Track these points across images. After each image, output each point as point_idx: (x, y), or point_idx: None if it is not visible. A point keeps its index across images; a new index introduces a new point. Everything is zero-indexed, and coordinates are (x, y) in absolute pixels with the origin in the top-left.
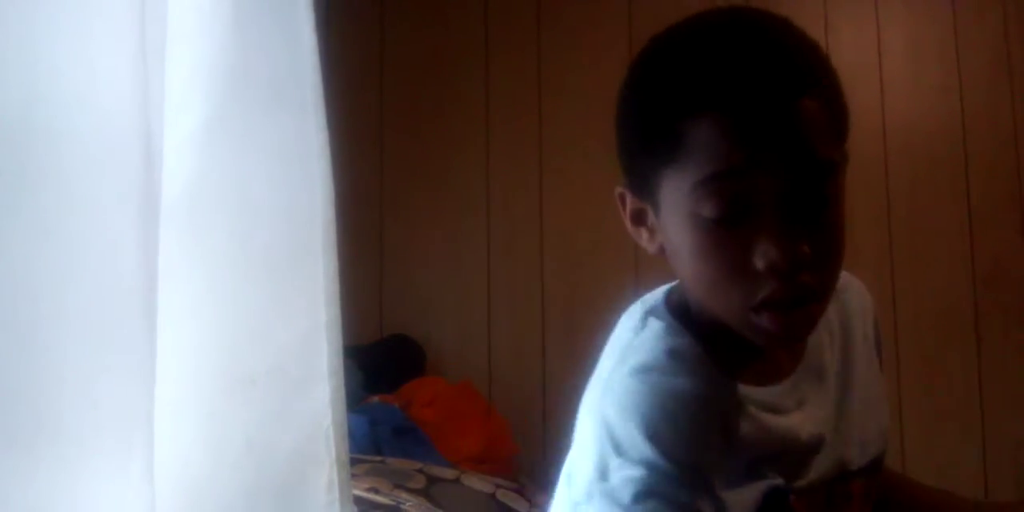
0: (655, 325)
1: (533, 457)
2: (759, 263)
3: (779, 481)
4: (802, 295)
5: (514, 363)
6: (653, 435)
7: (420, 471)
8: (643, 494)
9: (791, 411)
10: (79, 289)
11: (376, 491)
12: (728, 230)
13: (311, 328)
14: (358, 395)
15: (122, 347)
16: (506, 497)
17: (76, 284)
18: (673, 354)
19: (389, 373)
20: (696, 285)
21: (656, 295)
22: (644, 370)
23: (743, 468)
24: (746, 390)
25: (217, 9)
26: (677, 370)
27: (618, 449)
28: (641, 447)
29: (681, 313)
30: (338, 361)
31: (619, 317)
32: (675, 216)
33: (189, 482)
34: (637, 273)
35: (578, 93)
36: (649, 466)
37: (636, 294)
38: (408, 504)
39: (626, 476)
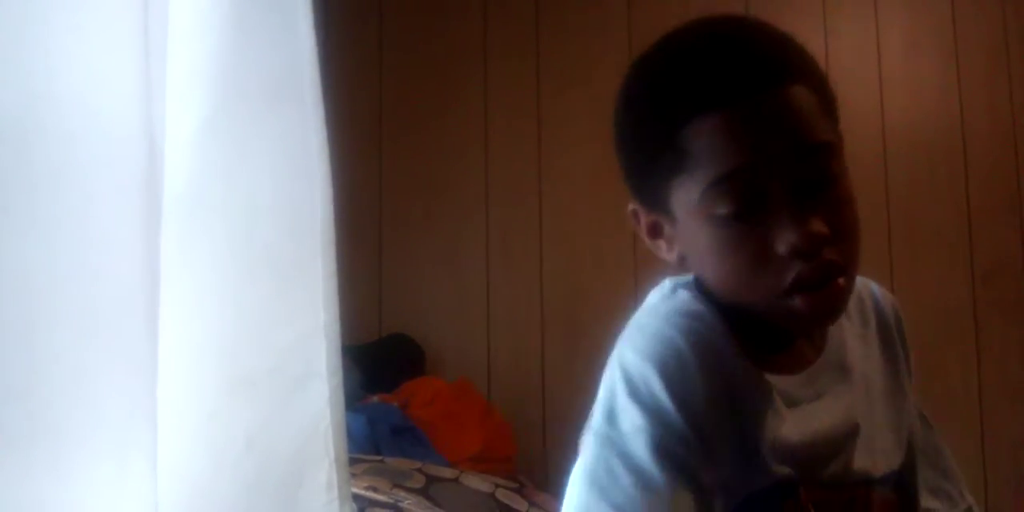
0: (684, 294)
1: (532, 456)
2: (781, 248)
3: (789, 472)
4: (828, 271)
5: (513, 362)
6: (669, 381)
7: (419, 470)
8: (658, 450)
9: (808, 401)
10: (80, 289)
11: (375, 490)
12: (745, 223)
13: (310, 328)
14: (357, 394)
15: (123, 347)
16: (505, 496)
17: (77, 284)
18: (702, 314)
19: (388, 373)
20: (724, 283)
21: (686, 277)
22: (676, 314)
23: (757, 457)
24: (772, 378)
25: (217, 9)
26: (707, 326)
27: (630, 388)
28: (654, 390)
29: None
30: (337, 361)
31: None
32: (692, 221)
33: (190, 481)
34: (636, 273)
35: (577, 94)
36: (661, 418)
37: (635, 294)
38: (407, 502)
39: (636, 424)
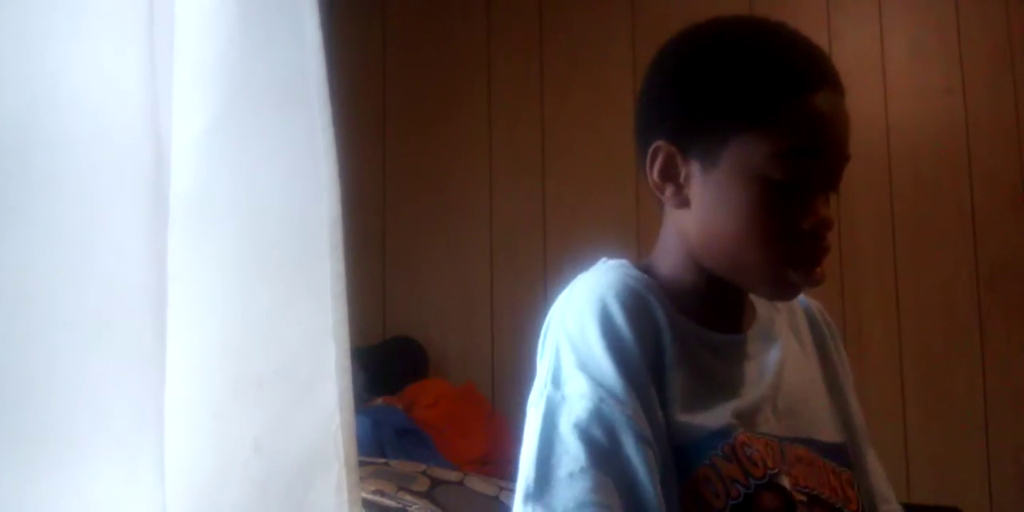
0: (612, 262)
1: None
2: (807, 225)
3: (731, 419)
4: (825, 254)
5: (517, 364)
6: (609, 342)
7: (424, 473)
8: (598, 412)
9: (747, 358)
10: (88, 292)
11: (382, 494)
12: (788, 194)
13: (319, 329)
14: (361, 397)
15: (131, 349)
16: (510, 499)
17: (86, 287)
18: (633, 276)
19: (392, 375)
20: (736, 238)
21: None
22: (604, 270)
23: (697, 408)
24: (707, 332)
25: (222, 10)
26: (635, 282)
27: (575, 355)
28: (596, 355)
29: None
30: (346, 362)
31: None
32: (736, 174)
33: (197, 484)
34: None
35: (581, 95)
36: (601, 381)
37: None
38: (414, 507)
39: (579, 391)
